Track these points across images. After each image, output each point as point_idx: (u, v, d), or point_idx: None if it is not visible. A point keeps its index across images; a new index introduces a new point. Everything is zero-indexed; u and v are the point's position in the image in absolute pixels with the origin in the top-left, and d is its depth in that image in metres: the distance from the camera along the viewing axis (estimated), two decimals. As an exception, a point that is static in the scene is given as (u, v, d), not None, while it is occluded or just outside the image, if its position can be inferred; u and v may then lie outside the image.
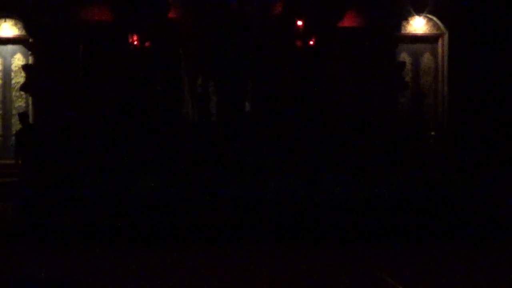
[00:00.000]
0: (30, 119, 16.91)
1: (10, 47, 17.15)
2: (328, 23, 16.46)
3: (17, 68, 17.07)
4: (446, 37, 17.58)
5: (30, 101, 16.97)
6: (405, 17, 17.41)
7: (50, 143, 13.30)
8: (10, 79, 17.07)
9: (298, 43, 16.31)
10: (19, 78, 17.02)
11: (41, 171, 12.42)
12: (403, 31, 17.52)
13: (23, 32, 16.89)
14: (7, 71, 17.06)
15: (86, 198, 11.59)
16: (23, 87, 16.76)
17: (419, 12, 17.41)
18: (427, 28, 17.71)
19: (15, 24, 17.04)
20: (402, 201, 11.60)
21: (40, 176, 12.27)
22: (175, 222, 11.18)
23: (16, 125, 16.93)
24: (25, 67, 16.78)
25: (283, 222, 11.23)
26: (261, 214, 11.38)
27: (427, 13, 17.46)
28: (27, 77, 16.67)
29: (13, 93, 17.04)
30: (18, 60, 17.11)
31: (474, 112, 16.59)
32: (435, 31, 17.72)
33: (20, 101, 17.07)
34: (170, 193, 11.70)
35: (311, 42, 16.29)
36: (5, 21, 17.01)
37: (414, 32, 17.69)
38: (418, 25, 17.64)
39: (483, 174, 12.40)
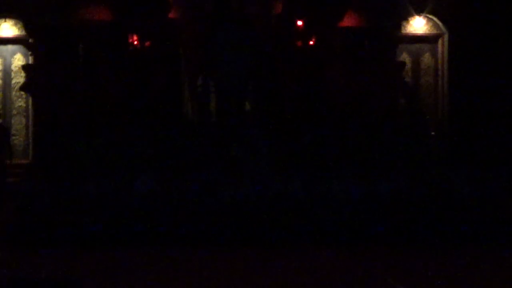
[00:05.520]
0: (30, 119, 16.97)
1: (10, 47, 17.15)
2: (328, 23, 16.46)
3: (17, 68, 17.07)
4: (446, 37, 17.58)
5: (30, 101, 16.98)
6: (405, 17, 17.41)
7: (52, 143, 13.31)
8: (10, 79, 17.07)
9: (298, 43, 16.31)
10: (19, 78, 17.02)
11: (41, 171, 12.43)
12: (403, 31, 17.52)
13: (23, 32, 16.89)
14: (7, 71, 17.06)
15: (87, 198, 11.59)
16: (23, 87, 16.76)
17: (419, 12, 17.42)
18: (427, 28, 17.71)
19: (15, 24, 17.04)
20: (403, 201, 11.59)
21: (40, 177, 12.28)
22: (175, 222, 11.18)
23: (16, 125, 16.94)
24: (25, 67, 16.78)
25: (284, 222, 11.23)
26: (261, 214, 11.37)
27: (427, 13, 17.46)
28: (27, 77, 16.66)
29: (13, 93, 17.04)
30: (18, 60, 17.10)
31: (474, 112, 16.59)
32: (435, 31, 17.72)
33: (20, 101, 17.07)
34: (170, 193, 11.69)
35: (311, 42, 16.29)
36: (5, 21, 17.02)
37: (414, 32, 17.68)
38: (418, 25, 17.64)
39: (484, 174, 12.40)
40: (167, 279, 8.67)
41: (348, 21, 16.72)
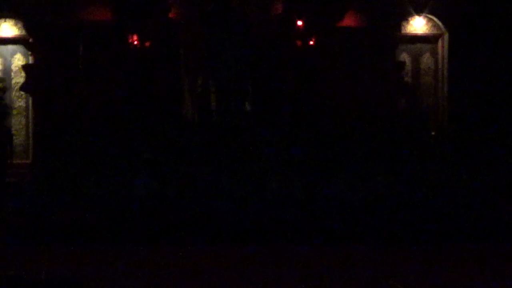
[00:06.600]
0: (30, 119, 16.98)
1: (10, 47, 17.14)
2: (328, 23, 16.46)
3: (17, 68, 17.07)
4: (446, 37, 17.58)
5: (30, 101, 16.98)
6: (405, 17, 17.41)
7: (52, 143, 13.31)
8: (10, 79, 17.05)
9: (298, 43, 16.31)
10: (19, 78, 17.01)
11: (42, 171, 12.44)
12: (403, 31, 17.52)
13: (23, 32, 16.89)
14: (7, 71, 17.05)
15: (87, 197, 11.60)
16: (23, 87, 16.76)
17: (419, 12, 17.41)
18: (427, 28, 17.70)
19: (15, 24, 17.03)
20: (403, 201, 11.60)
21: (40, 177, 12.29)
22: (175, 222, 11.18)
23: (16, 125, 16.94)
24: (25, 67, 16.78)
25: (283, 223, 11.23)
26: (261, 214, 11.38)
27: (427, 13, 17.45)
28: (27, 77, 16.67)
29: (13, 93, 17.03)
30: (18, 60, 17.10)
31: (474, 112, 16.59)
32: (435, 31, 17.71)
33: (20, 101, 17.06)
34: (170, 192, 11.70)
35: (311, 42, 16.29)
36: (5, 21, 17.01)
37: (414, 32, 17.68)
38: (418, 25, 17.64)
39: (484, 174, 12.40)
40: (167, 279, 8.67)
41: (348, 21, 16.72)
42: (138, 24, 15.97)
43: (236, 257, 9.99)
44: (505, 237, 10.99)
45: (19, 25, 16.95)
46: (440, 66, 17.74)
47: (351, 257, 9.97)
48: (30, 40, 16.67)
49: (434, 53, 17.83)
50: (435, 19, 17.58)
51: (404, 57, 17.66)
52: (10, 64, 17.12)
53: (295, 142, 13.03)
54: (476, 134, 15.20)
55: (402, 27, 17.49)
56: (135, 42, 16.04)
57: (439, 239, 10.89)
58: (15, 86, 17.03)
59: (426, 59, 17.85)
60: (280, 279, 8.69)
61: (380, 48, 16.70)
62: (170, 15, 16.37)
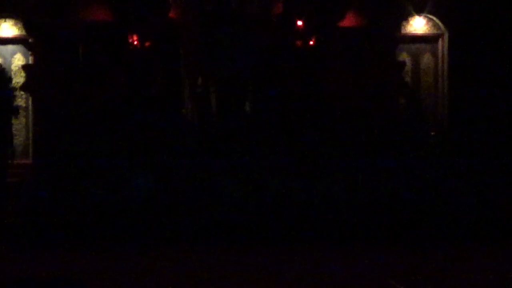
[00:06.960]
0: (30, 119, 16.97)
1: (10, 47, 17.12)
2: (328, 23, 16.46)
3: (17, 68, 17.06)
4: (446, 37, 17.57)
5: (30, 101, 16.97)
6: (405, 17, 17.39)
7: (52, 143, 13.33)
8: (11, 79, 17.03)
9: (298, 43, 16.31)
10: (19, 78, 17.00)
11: (42, 171, 12.45)
12: (403, 31, 17.50)
13: (23, 32, 16.87)
14: (7, 71, 17.03)
15: (87, 198, 11.61)
16: (23, 87, 16.76)
17: (419, 12, 17.40)
18: (427, 28, 17.69)
19: (15, 24, 17.02)
20: (403, 201, 11.61)
21: (40, 177, 12.30)
22: (175, 222, 11.19)
23: (16, 125, 16.92)
24: (25, 67, 16.77)
25: (283, 223, 11.24)
26: (261, 215, 11.39)
27: (427, 13, 17.44)
28: (27, 77, 16.66)
29: (13, 93, 17.00)
30: (18, 60, 17.09)
31: (474, 112, 16.58)
32: (435, 31, 17.70)
33: (20, 101, 17.05)
34: (170, 192, 11.71)
35: (311, 42, 16.29)
36: (5, 21, 17.00)
37: (414, 32, 17.66)
38: (418, 25, 17.63)
39: (484, 174, 12.41)
40: (167, 279, 8.67)
41: (348, 21, 16.71)
42: (138, 24, 15.96)
43: (236, 257, 9.99)
44: (505, 237, 11.00)
45: (19, 25, 16.94)
46: (440, 66, 17.73)
47: (351, 257, 9.97)
48: (30, 40, 16.67)
49: (434, 53, 17.82)
50: (435, 19, 17.56)
51: (404, 57, 17.65)
52: (10, 64, 17.11)
53: (295, 141, 13.04)
54: (476, 134, 15.21)
55: (402, 27, 17.47)
56: (135, 42, 16.04)
57: (439, 238, 10.90)
58: (15, 86, 17.01)
59: (426, 59, 17.84)
60: (280, 279, 8.69)
61: (380, 48, 16.69)
62: (170, 15, 16.37)
